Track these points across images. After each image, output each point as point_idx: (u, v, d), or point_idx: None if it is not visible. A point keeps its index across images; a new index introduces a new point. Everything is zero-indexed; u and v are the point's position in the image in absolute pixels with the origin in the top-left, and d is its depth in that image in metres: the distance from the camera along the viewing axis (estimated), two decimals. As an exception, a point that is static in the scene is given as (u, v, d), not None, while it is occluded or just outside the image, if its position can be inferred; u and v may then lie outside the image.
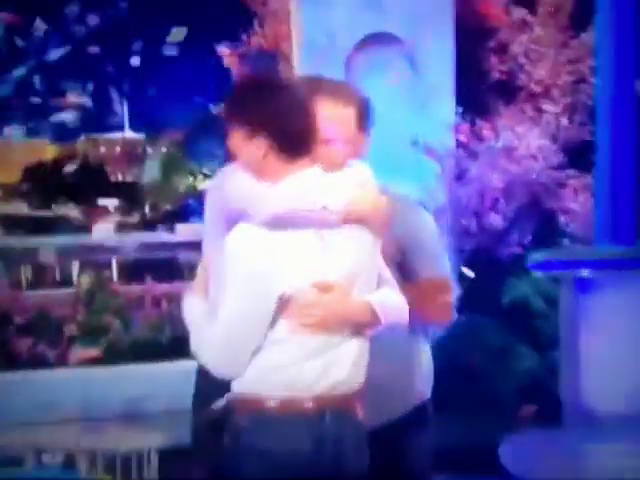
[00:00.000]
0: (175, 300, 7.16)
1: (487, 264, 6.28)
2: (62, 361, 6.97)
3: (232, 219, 2.49)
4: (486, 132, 6.40)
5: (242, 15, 7.79)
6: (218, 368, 2.50)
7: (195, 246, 3.08)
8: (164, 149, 12.40)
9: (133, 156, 13.53)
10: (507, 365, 5.96)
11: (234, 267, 2.43)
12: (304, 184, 2.45)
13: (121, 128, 13.00)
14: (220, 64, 7.95)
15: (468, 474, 4.97)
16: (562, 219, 6.59)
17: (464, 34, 6.48)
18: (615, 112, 5.42)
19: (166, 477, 5.47)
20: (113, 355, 6.90)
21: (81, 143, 12.32)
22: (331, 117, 2.63)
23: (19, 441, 5.97)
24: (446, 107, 6.24)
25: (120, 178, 13.15)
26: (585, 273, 5.23)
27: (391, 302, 2.59)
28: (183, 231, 8.37)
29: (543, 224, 6.55)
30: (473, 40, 6.70)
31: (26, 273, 9.13)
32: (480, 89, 6.72)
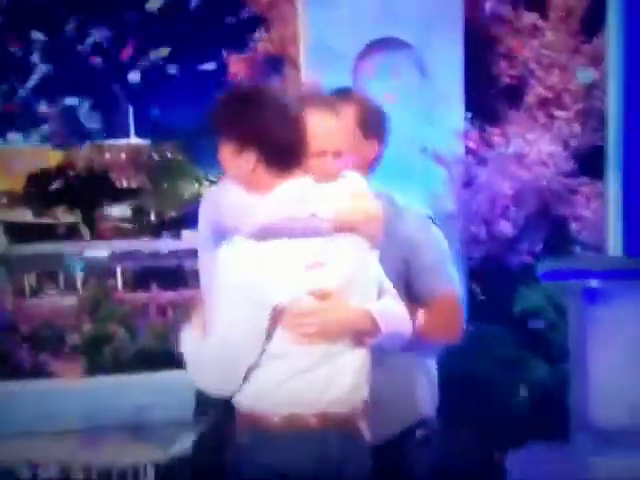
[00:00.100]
0: (181, 308, 7.17)
1: (497, 273, 6.27)
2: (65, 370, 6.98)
3: (222, 232, 2.49)
4: (496, 138, 6.39)
5: (248, 20, 7.81)
6: (213, 385, 2.49)
7: (201, 253, 3.07)
8: (169, 155, 12.43)
9: (138, 162, 13.55)
10: (517, 376, 5.95)
11: (225, 280, 2.44)
12: (293, 193, 2.45)
13: (127, 134, 13.03)
14: (226, 70, 7.97)
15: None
16: (574, 227, 6.58)
17: (474, 39, 6.48)
18: (627, 118, 5.41)
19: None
20: (118, 364, 6.91)
21: (86, 149, 12.35)
22: (322, 129, 2.62)
23: (15, 453, 5.97)
24: (455, 113, 6.24)
25: (125, 184, 13.15)
26: (594, 283, 5.21)
27: (392, 311, 2.59)
28: (189, 238, 8.38)
29: (554, 232, 6.54)
30: (483, 45, 6.71)
31: (30, 281, 9.16)
32: (490, 95, 6.72)
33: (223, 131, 2.50)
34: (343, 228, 2.51)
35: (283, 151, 2.44)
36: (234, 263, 2.42)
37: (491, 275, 6.23)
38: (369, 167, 3.02)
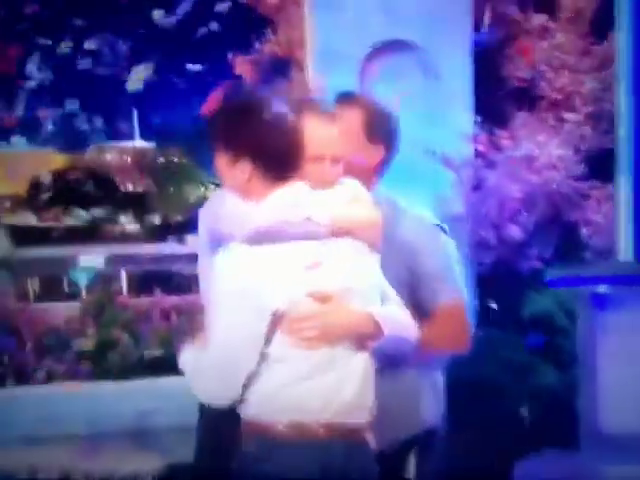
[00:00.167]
0: (185, 313, 7.17)
1: (506, 277, 6.26)
2: (69, 375, 6.98)
3: (219, 239, 2.51)
4: (505, 141, 6.38)
5: (255, 22, 7.81)
6: (212, 392, 2.50)
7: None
8: (175, 159, 12.42)
9: (144, 166, 13.54)
10: (526, 383, 5.94)
11: (222, 286, 2.45)
12: (287, 199, 2.46)
13: (131, 137, 13.02)
14: (232, 72, 7.97)
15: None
16: (584, 231, 6.56)
17: (483, 40, 6.48)
18: (638, 121, 5.40)
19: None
20: (121, 369, 6.90)
21: (90, 153, 12.34)
22: (320, 134, 2.63)
23: (16, 458, 5.96)
24: (463, 116, 6.23)
25: (130, 188, 13.15)
26: (604, 289, 5.20)
27: (395, 315, 2.59)
28: (194, 242, 8.36)
29: (564, 236, 6.52)
30: (492, 46, 6.70)
31: (33, 285, 9.15)
32: (499, 97, 6.72)
33: (218, 142, 2.52)
34: (339, 233, 2.51)
35: (278, 160, 2.46)
36: (230, 269, 2.43)
37: (500, 280, 6.22)
38: (376, 172, 3.02)
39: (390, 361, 2.67)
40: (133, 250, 9.49)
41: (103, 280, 8.71)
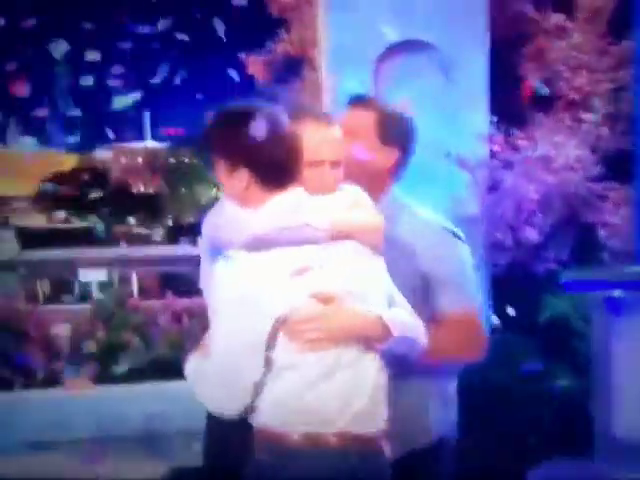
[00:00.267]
0: (196, 316, 7.17)
1: (522, 280, 6.24)
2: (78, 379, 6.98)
3: (218, 247, 2.52)
4: (522, 142, 6.36)
5: (267, 22, 7.81)
6: (218, 403, 2.50)
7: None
8: (187, 159, 12.43)
9: (155, 167, 13.59)
10: (542, 388, 5.91)
11: (221, 294, 2.45)
12: (286, 205, 2.47)
13: (143, 138, 13.06)
14: (245, 72, 7.97)
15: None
16: (601, 233, 6.53)
17: (499, 40, 6.46)
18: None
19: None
20: (132, 373, 6.91)
21: (100, 153, 12.39)
22: (319, 139, 2.65)
23: (22, 463, 5.96)
24: (479, 116, 6.22)
25: (142, 189, 13.20)
26: (618, 294, 5.18)
27: (403, 318, 2.58)
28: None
29: (581, 239, 6.50)
30: (508, 46, 6.68)
31: (43, 287, 9.19)
32: (516, 97, 6.69)
33: (215, 151, 2.54)
34: (340, 237, 2.52)
35: (275, 169, 2.49)
36: (229, 276, 2.44)
37: (516, 283, 6.20)
38: (390, 174, 3.02)
39: (398, 368, 2.66)
40: (144, 252, 9.52)
41: (114, 283, 8.73)
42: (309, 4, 7.00)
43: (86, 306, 8.21)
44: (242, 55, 8.01)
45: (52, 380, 6.94)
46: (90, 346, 7.12)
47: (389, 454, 2.57)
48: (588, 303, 5.61)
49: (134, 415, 6.41)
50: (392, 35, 5.62)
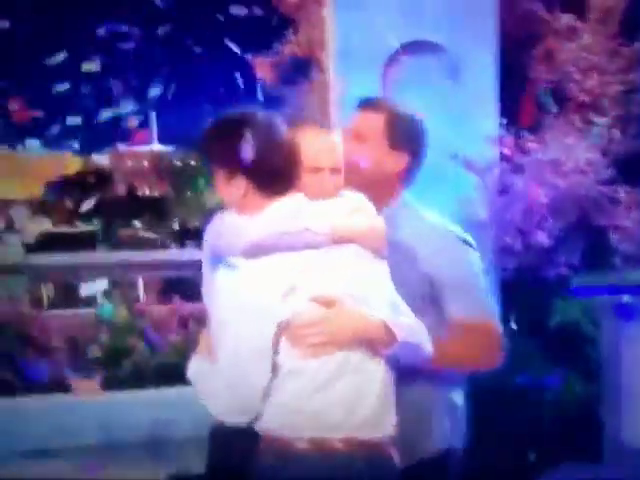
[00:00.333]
0: (203, 321, 7.17)
1: (532, 285, 6.22)
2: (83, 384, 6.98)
3: (218, 255, 2.54)
4: (531, 145, 6.35)
5: (275, 23, 7.81)
6: (228, 412, 2.50)
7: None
8: (193, 163, 12.43)
9: (161, 170, 13.57)
10: (552, 394, 5.90)
11: (224, 302, 2.46)
12: (285, 211, 2.48)
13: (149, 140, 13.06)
14: (252, 74, 7.97)
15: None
16: (613, 237, 6.51)
17: (508, 40, 6.45)
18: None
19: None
20: (137, 378, 6.91)
21: (107, 156, 12.40)
22: (318, 145, 2.66)
23: (26, 471, 5.96)
24: (489, 118, 6.21)
25: (148, 192, 13.18)
26: (628, 299, 5.17)
27: (407, 323, 2.58)
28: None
29: (593, 243, 6.48)
30: (518, 47, 6.67)
31: (48, 291, 9.19)
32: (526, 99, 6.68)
33: (212, 159, 2.57)
34: (340, 241, 2.52)
35: (272, 176, 2.51)
36: (230, 283, 2.45)
37: (526, 287, 6.18)
38: (400, 179, 3.01)
39: (403, 375, 2.66)
40: (151, 256, 9.51)
41: (120, 287, 8.73)
42: (317, 4, 7.00)
43: (91, 310, 8.22)
44: (249, 56, 8.01)
45: (57, 386, 6.95)
46: (95, 351, 7.13)
47: (397, 460, 2.56)
48: (598, 308, 5.60)
49: (139, 421, 6.41)
50: (398, 41, 5.65)
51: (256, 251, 2.41)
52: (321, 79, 6.83)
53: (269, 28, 7.88)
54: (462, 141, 5.94)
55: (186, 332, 7.30)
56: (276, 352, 2.42)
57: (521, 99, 6.62)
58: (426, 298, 2.86)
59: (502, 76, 6.32)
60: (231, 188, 2.52)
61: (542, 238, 6.17)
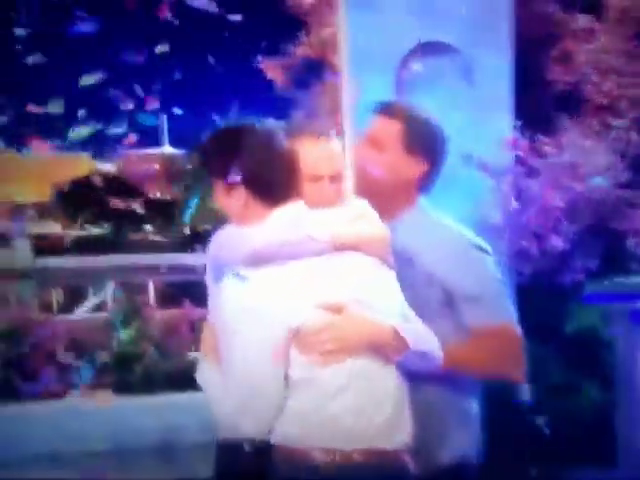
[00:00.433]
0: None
1: (548, 290, 6.21)
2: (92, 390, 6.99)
3: (221, 267, 2.55)
4: (547, 148, 6.34)
5: (287, 24, 7.82)
6: (242, 425, 2.50)
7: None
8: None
9: (172, 173, 13.60)
10: (568, 400, 5.90)
11: (230, 315, 2.46)
12: (286, 219, 2.49)
13: (160, 143, 13.06)
14: (263, 77, 7.98)
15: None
16: (631, 241, 6.50)
17: (524, 42, 6.44)
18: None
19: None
20: (147, 384, 6.91)
21: (117, 159, 12.39)
22: (317, 153, 2.67)
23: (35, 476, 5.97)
24: (504, 121, 6.20)
25: (159, 195, 13.20)
26: (640, 305, 5.17)
27: (418, 330, 2.58)
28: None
29: (610, 247, 6.47)
30: (534, 48, 6.67)
31: (57, 296, 9.20)
32: (541, 101, 6.68)
33: (211, 171, 2.58)
34: (343, 248, 2.53)
35: (272, 185, 2.53)
36: (235, 294, 2.45)
37: (542, 292, 6.17)
38: (416, 186, 3.01)
39: (417, 383, 2.66)
40: (161, 260, 9.51)
41: (130, 291, 8.74)
42: (329, 5, 7.00)
43: (101, 315, 8.23)
44: (260, 58, 8.03)
45: (65, 391, 6.96)
46: (104, 356, 7.14)
47: (413, 470, 2.56)
48: (613, 314, 5.60)
49: (149, 427, 6.42)
50: (412, 43, 5.65)
51: (258, 260, 2.42)
52: (333, 81, 6.83)
53: (281, 30, 7.90)
54: (476, 144, 5.94)
55: (196, 337, 7.30)
56: (286, 362, 2.42)
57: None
58: (442, 304, 2.86)
59: (517, 78, 6.31)
60: (231, 199, 2.55)
61: (558, 242, 6.16)
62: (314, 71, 7.49)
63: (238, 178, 2.52)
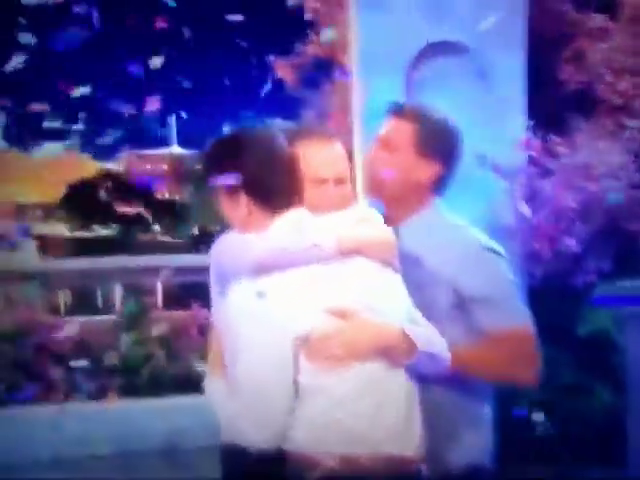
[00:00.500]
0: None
1: (561, 292, 6.20)
2: (101, 393, 7.00)
3: (225, 279, 2.55)
4: (560, 148, 6.32)
5: (296, 24, 7.83)
6: (251, 435, 2.49)
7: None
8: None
9: (180, 173, 13.61)
10: (581, 404, 5.88)
11: (236, 325, 2.46)
12: (289, 226, 2.50)
13: (168, 143, 13.09)
14: (273, 76, 7.99)
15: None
16: (645, 242, 6.47)
17: (537, 41, 6.42)
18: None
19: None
20: (155, 386, 6.92)
21: (125, 159, 12.43)
22: (321, 156, 2.68)
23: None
24: (517, 121, 6.18)
25: (167, 196, 13.21)
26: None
27: (426, 332, 2.58)
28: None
29: (624, 249, 6.45)
30: (547, 48, 6.65)
31: (65, 298, 9.22)
32: (554, 101, 6.66)
33: (214, 177, 2.59)
34: (348, 253, 2.53)
35: (273, 193, 2.55)
36: (241, 303, 2.45)
37: (554, 294, 6.16)
38: (430, 188, 3.01)
39: (428, 387, 2.65)
40: (169, 261, 9.53)
41: (138, 293, 8.75)
42: (340, 5, 7.01)
43: (109, 317, 8.25)
44: (271, 58, 8.03)
45: (73, 393, 6.97)
46: (112, 358, 7.15)
47: (426, 475, 2.56)
48: (625, 317, 5.59)
49: (156, 430, 6.42)
50: (423, 42, 5.63)
51: (263, 270, 2.42)
52: (343, 81, 6.83)
53: (291, 29, 7.91)
54: (489, 144, 5.92)
55: (205, 339, 7.30)
56: (296, 369, 2.42)
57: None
58: (453, 305, 2.86)
59: (530, 78, 6.29)
60: (234, 207, 2.56)
61: (570, 243, 6.14)
62: (324, 70, 7.49)
63: (240, 186, 2.53)
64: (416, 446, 2.53)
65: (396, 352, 2.50)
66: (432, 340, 2.58)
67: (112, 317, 8.21)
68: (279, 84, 7.98)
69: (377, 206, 3.03)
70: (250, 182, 2.54)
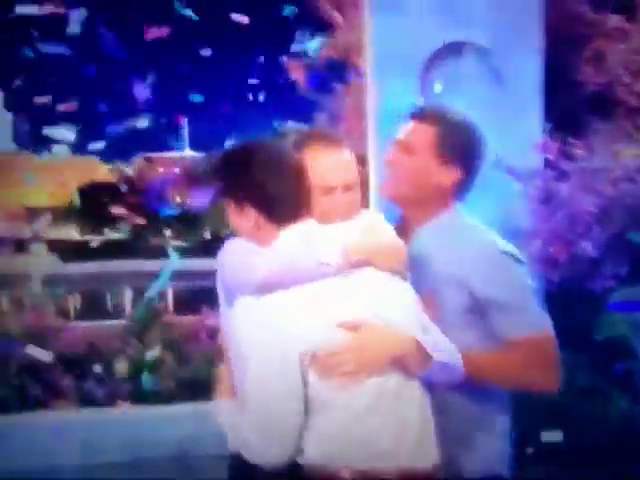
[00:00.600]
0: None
1: (578, 297, 6.18)
2: (110, 399, 7.00)
3: (232, 294, 2.55)
4: (578, 151, 6.29)
5: (311, 26, 7.83)
6: (264, 453, 2.49)
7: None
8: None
9: (193, 177, 13.63)
10: (598, 410, 5.86)
11: (245, 341, 2.46)
12: (296, 239, 2.51)
13: (180, 147, 13.10)
14: (287, 78, 8.00)
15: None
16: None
17: (554, 41, 6.40)
18: None
19: None
20: (165, 392, 6.92)
21: (136, 163, 12.45)
22: (328, 164, 2.68)
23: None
24: (533, 123, 6.16)
25: (178, 200, 13.23)
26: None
27: (440, 341, 2.57)
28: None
29: (640, 253, 6.42)
30: (564, 49, 6.62)
31: (74, 302, 9.24)
32: (572, 103, 6.63)
33: (222, 190, 2.61)
34: (357, 265, 2.52)
35: (281, 205, 2.56)
36: (249, 319, 2.45)
37: (571, 299, 6.13)
38: (451, 192, 3.00)
39: (445, 397, 2.64)
40: (180, 266, 9.54)
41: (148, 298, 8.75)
42: (354, 7, 7.01)
43: (119, 322, 8.25)
44: (284, 59, 8.04)
45: (82, 399, 6.97)
46: (122, 364, 7.15)
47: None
48: (638, 323, 5.58)
49: (167, 437, 6.41)
50: (438, 44, 5.61)
51: (270, 288, 2.42)
52: (357, 83, 6.83)
53: (305, 30, 7.91)
54: (505, 147, 5.90)
55: (215, 344, 7.31)
56: (306, 385, 2.41)
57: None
58: (469, 310, 2.85)
59: (547, 79, 6.27)
60: (242, 219, 2.58)
61: (588, 248, 6.12)
62: (338, 73, 7.49)
63: (248, 200, 2.54)
64: (432, 458, 2.52)
65: (409, 361, 2.49)
66: (445, 349, 2.56)
67: (122, 322, 8.21)
68: (292, 86, 7.99)
69: (395, 208, 3.03)
70: (258, 197, 2.55)
